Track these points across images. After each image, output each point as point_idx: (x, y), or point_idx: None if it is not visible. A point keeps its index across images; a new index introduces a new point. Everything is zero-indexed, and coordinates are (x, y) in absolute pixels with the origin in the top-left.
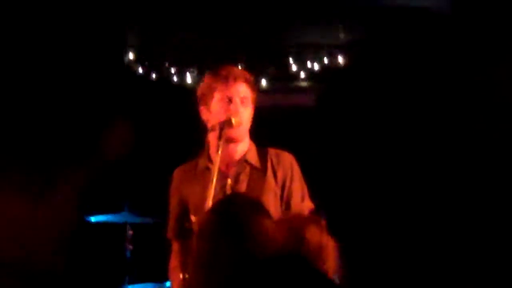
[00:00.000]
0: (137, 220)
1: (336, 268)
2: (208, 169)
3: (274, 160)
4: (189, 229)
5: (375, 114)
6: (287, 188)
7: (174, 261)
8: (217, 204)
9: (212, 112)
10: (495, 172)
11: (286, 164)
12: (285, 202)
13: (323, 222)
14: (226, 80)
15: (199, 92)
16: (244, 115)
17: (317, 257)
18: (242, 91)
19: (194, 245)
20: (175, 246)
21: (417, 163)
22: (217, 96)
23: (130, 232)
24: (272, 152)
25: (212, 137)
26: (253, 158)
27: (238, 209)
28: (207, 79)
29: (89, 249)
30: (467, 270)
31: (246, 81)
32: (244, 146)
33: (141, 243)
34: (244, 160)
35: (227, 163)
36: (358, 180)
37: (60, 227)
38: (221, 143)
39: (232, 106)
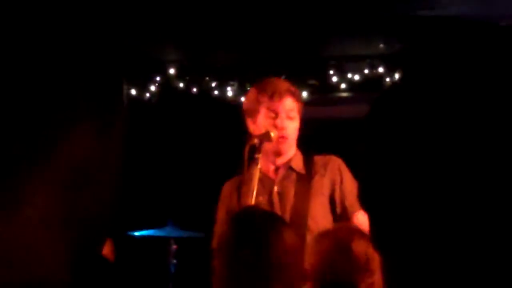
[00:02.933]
0: (181, 234)
1: (382, 281)
2: (251, 178)
3: (321, 165)
4: None
5: (421, 125)
6: (338, 190)
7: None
8: (234, 218)
9: (258, 126)
10: None
11: (334, 167)
12: (340, 205)
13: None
14: (272, 94)
15: (245, 105)
16: (290, 129)
17: (363, 269)
18: (288, 105)
19: (217, 262)
20: None
21: (470, 177)
22: (263, 110)
23: (174, 247)
24: (318, 158)
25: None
26: (298, 164)
27: (256, 221)
28: (252, 93)
29: (134, 264)
30: None
31: (292, 94)
32: (287, 156)
33: (185, 257)
34: (288, 167)
35: (273, 171)
36: (406, 193)
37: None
38: (260, 156)
39: (279, 121)
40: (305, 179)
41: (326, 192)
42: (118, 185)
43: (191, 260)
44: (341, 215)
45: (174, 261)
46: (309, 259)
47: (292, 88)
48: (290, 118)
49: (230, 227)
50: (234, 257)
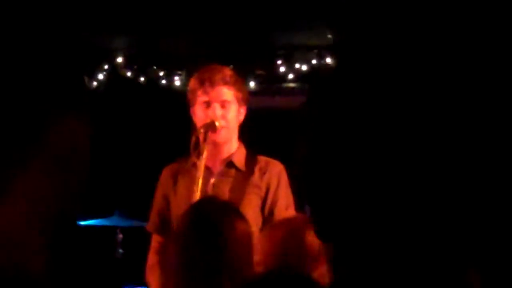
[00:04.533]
0: (127, 223)
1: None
2: (194, 166)
3: (263, 166)
4: (168, 225)
5: (363, 115)
6: (271, 194)
7: (152, 259)
8: (190, 208)
9: (196, 115)
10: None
11: (274, 171)
12: (269, 208)
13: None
14: (204, 84)
15: (187, 95)
16: (227, 118)
17: (316, 260)
18: (222, 94)
19: (170, 250)
20: (155, 242)
21: (406, 165)
22: (198, 100)
23: (120, 236)
24: (262, 159)
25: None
26: (239, 161)
27: (211, 212)
28: (191, 82)
29: (80, 253)
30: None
31: (226, 83)
32: (231, 147)
33: (132, 246)
34: (229, 162)
35: (214, 162)
36: (346, 182)
37: (49, 232)
38: (205, 145)
39: (210, 111)
40: (244, 176)
41: (261, 193)
42: (86, 170)
43: (138, 249)
44: (266, 219)
45: (121, 250)
46: (262, 247)
47: (227, 77)
48: (224, 107)
49: (185, 217)
50: (188, 247)
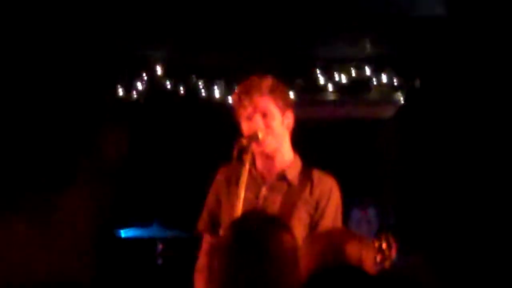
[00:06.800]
0: (167, 234)
1: None
2: (249, 173)
3: (315, 181)
4: (218, 226)
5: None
6: (320, 209)
7: (201, 261)
8: (235, 222)
9: (243, 130)
10: None
11: (326, 186)
12: (315, 222)
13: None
14: (242, 99)
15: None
16: (271, 127)
17: None
18: (261, 105)
19: (214, 263)
20: (205, 244)
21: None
22: (241, 115)
23: (160, 246)
24: (316, 173)
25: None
26: (292, 175)
27: (256, 226)
28: (234, 93)
29: (120, 263)
30: None
31: (263, 94)
32: (284, 158)
33: (171, 257)
34: (282, 176)
35: (268, 173)
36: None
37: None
38: (248, 157)
39: (252, 123)
40: (295, 191)
41: (311, 210)
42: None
43: (177, 259)
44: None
45: (160, 260)
46: (302, 261)
47: (263, 87)
48: (265, 117)
49: (230, 232)
50: (233, 263)
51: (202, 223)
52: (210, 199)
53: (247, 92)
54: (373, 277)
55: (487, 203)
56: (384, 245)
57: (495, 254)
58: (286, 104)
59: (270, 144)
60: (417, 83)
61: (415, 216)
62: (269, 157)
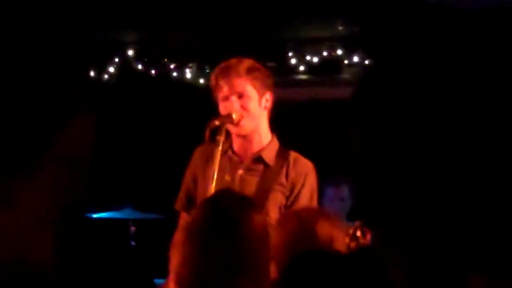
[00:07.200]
0: (140, 216)
1: None
2: (225, 154)
3: (291, 163)
4: (194, 205)
5: (374, 111)
6: (295, 192)
7: (178, 236)
8: (207, 200)
9: (221, 112)
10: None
11: (302, 169)
12: (290, 205)
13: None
14: (219, 81)
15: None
16: (247, 108)
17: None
18: (237, 86)
19: (185, 240)
20: (182, 220)
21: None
22: (218, 97)
23: (133, 229)
24: (292, 155)
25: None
26: (269, 156)
27: (228, 205)
28: (212, 74)
29: (92, 246)
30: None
31: (240, 75)
32: (261, 139)
33: (144, 239)
34: (259, 157)
35: (245, 154)
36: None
37: (60, 224)
38: (221, 138)
39: (228, 104)
40: (272, 173)
41: (286, 191)
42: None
43: (150, 242)
44: None
45: (133, 243)
46: (273, 240)
47: (240, 68)
48: (241, 98)
49: (202, 211)
50: (205, 241)
51: (179, 202)
52: (187, 178)
53: (225, 73)
54: (343, 257)
55: (447, 178)
56: (358, 233)
57: (453, 229)
58: (265, 85)
59: (246, 125)
60: (378, 63)
61: (375, 194)
62: (246, 139)
